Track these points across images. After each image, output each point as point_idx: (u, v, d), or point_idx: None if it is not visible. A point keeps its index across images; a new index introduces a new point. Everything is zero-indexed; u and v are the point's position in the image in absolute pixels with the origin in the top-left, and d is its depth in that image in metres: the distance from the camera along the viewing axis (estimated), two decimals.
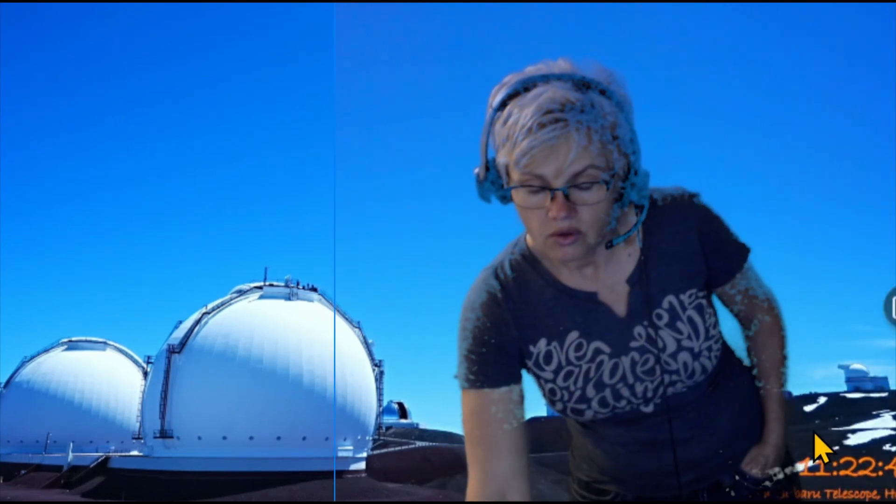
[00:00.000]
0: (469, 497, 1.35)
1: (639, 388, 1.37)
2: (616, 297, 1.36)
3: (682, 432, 1.42)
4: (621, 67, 1.22)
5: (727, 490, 1.46)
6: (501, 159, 1.21)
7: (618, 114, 1.18)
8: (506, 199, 1.25)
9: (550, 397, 1.40)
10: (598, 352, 1.36)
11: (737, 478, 1.46)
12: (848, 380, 76.64)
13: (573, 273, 1.36)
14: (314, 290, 43.75)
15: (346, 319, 43.37)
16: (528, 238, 1.38)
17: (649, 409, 1.40)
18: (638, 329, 1.35)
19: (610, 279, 1.36)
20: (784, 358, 1.50)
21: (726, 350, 1.50)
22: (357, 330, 43.36)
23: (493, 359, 1.36)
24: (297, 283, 43.45)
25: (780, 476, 1.46)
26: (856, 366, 78.23)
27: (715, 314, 1.42)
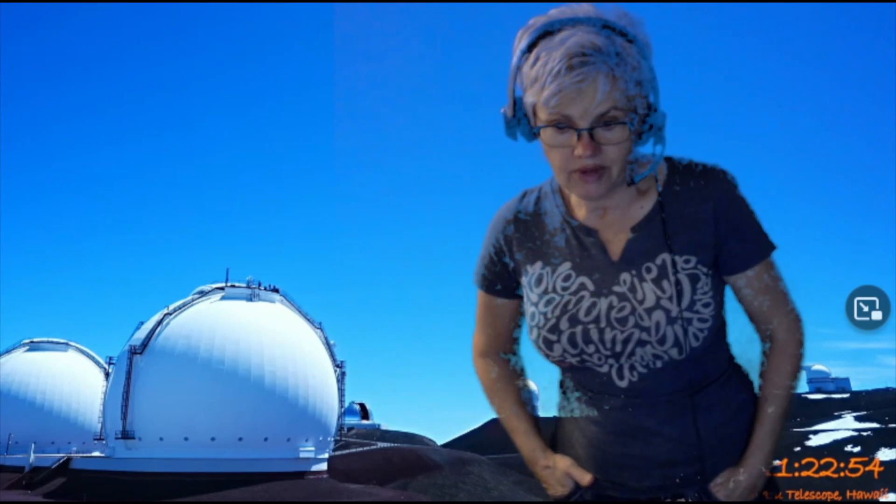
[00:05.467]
0: (475, 342, 1.65)
1: (608, 335, 1.36)
2: (615, 239, 1.39)
3: (651, 421, 1.40)
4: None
5: None
6: (529, 99, 1.27)
7: (639, 57, 1.23)
8: (531, 136, 1.32)
9: (530, 322, 1.44)
10: (582, 287, 1.39)
11: (701, 496, 1.41)
12: (809, 381, 77.45)
13: (585, 210, 1.41)
14: (276, 290, 43.65)
15: (308, 320, 43.38)
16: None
17: (623, 383, 1.39)
18: (625, 275, 1.36)
19: (616, 223, 1.40)
20: (791, 385, 1.45)
21: (729, 360, 1.49)
22: (319, 331, 43.38)
23: (498, 272, 1.52)
24: (259, 284, 43.35)
25: None
26: (817, 367, 79.08)
27: (714, 297, 1.36)
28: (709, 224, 1.36)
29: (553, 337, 1.39)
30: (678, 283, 1.34)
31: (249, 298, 41.99)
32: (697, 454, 1.40)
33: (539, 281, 1.43)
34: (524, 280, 1.47)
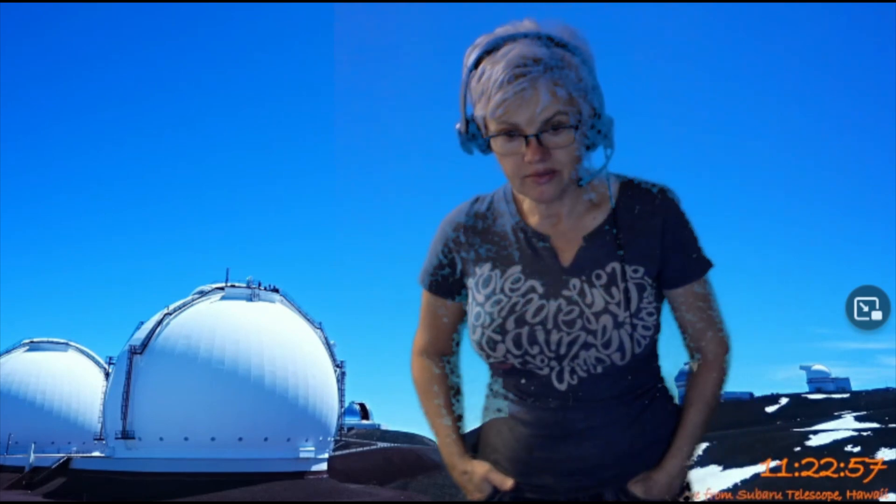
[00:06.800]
0: (415, 341, 1.68)
1: (554, 337, 1.40)
2: (567, 246, 1.45)
3: (584, 426, 1.44)
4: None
5: None
6: (479, 113, 1.35)
7: (580, 65, 1.31)
8: (485, 149, 1.39)
9: (474, 322, 1.46)
10: (531, 289, 1.43)
11: (619, 495, 1.46)
12: (809, 381, 77.18)
13: (538, 217, 1.47)
14: (276, 290, 43.70)
15: (308, 320, 43.42)
16: None
17: (562, 386, 1.42)
18: (574, 281, 1.41)
19: (569, 232, 1.46)
20: (714, 398, 1.51)
21: (659, 373, 1.55)
22: (319, 331, 43.42)
23: (444, 274, 1.55)
24: (259, 284, 43.39)
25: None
26: (817, 367, 78.95)
27: (656, 308, 1.44)
28: (657, 237, 1.44)
29: (498, 337, 1.43)
30: (626, 290, 1.40)
31: (249, 298, 42.03)
32: (622, 458, 1.46)
33: (487, 282, 1.47)
34: (471, 282, 1.51)
